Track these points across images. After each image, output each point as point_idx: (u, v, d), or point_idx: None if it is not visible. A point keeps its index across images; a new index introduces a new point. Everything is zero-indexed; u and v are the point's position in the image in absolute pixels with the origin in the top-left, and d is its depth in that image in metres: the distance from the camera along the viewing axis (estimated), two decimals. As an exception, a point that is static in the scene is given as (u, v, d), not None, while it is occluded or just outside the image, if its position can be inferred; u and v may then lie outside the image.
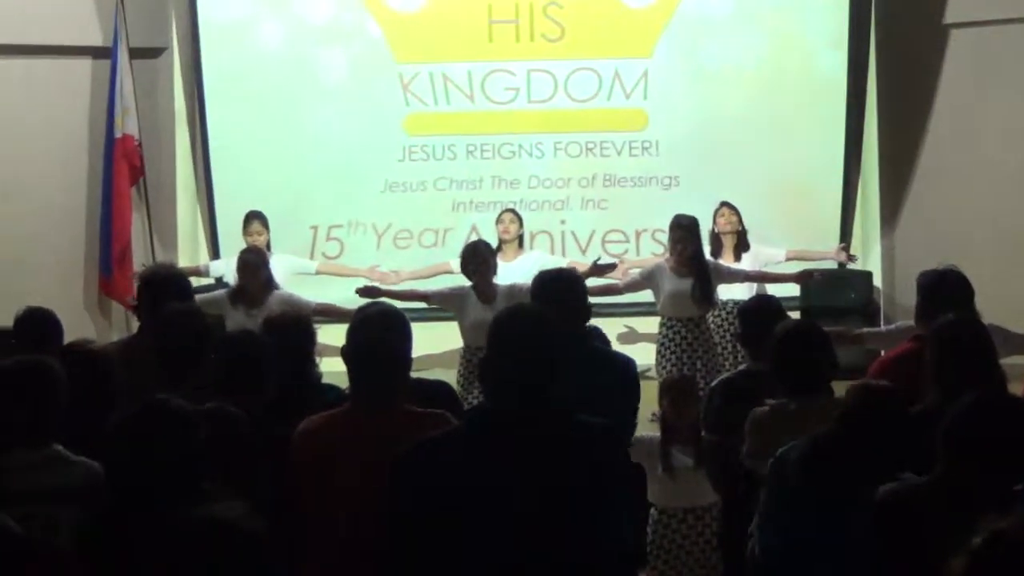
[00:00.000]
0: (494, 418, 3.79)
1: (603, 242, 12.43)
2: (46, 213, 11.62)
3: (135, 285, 11.04)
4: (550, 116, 12.47)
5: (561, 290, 5.68)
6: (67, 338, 6.59)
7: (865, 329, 8.17)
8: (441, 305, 9.88)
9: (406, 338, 4.54)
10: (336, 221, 12.39)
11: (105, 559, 3.88)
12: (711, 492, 6.51)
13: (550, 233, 12.39)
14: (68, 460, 4.71)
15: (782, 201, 12.24)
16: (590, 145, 12.51)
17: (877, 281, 12.38)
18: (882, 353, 7.27)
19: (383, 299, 7.76)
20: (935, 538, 3.79)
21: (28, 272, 11.19)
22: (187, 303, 5.86)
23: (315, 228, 12.36)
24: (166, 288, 6.33)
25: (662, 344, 9.84)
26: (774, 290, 10.43)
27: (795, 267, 11.26)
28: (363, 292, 9.58)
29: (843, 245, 12.09)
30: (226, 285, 10.11)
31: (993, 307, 6.55)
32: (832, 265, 12.04)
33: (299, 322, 6.07)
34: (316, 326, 6.13)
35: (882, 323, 11.95)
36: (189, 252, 12.30)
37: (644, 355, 9.03)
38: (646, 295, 10.16)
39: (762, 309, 6.78)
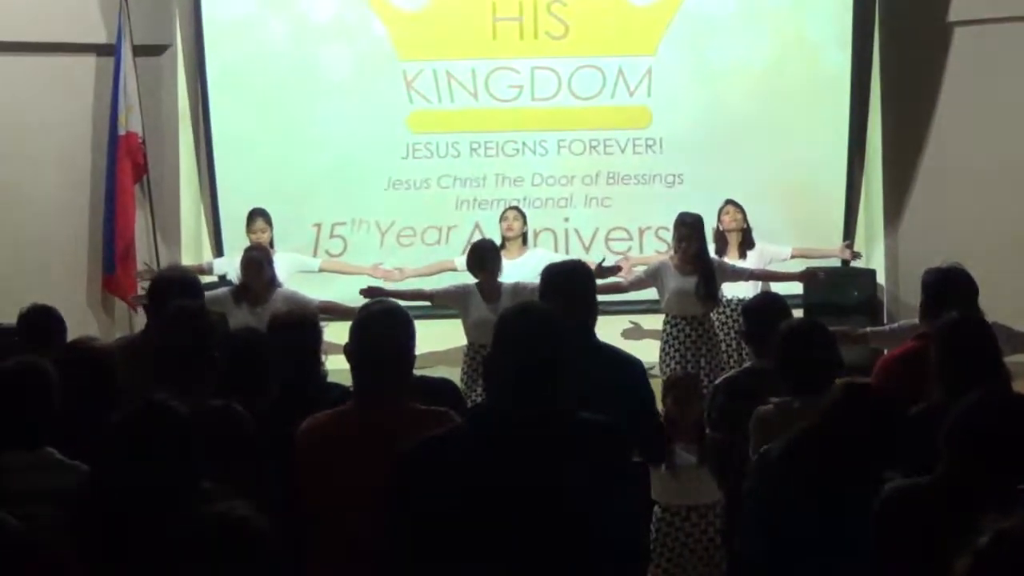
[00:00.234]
0: (497, 417, 3.78)
1: (607, 240, 12.42)
2: (49, 210, 11.62)
3: (139, 284, 11.18)
4: (554, 114, 12.46)
5: (570, 282, 5.66)
6: (70, 335, 6.61)
7: (869, 328, 8.18)
8: (445, 304, 9.90)
9: (409, 336, 4.53)
10: (339, 219, 12.38)
11: (103, 560, 3.87)
12: (714, 490, 6.52)
13: (554, 231, 12.38)
14: (61, 463, 4.72)
15: (785, 199, 12.23)
16: (594, 143, 12.49)
17: (880, 279, 12.35)
18: (885, 352, 7.26)
19: (386, 297, 7.79)
20: (938, 537, 3.79)
21: (31, 269, 11.18)
22: (192, 301, 5.85)
23: (318, 226, 12.35)
24: (176, 290, 6.33)
25: (666, 342, 9.86)
26: (778, 288, 10.43)
27: (800, 265, 11.27)
28: (367, 292, 9.59)
29: (847, 243, 12.10)
30: (229, 283, 10.11)
31: (997, 305, 6.55)
32: (835, 263, 12.04)
33: (305, 320, 6.07)
34: (322, 324, 6.14)
35: (885, 321, 11.93)
36: (192, 249, 12.30)
37: (648, 353, 9.01)
38: (650, 292, 10.17)
39: (766, 307, 6.80)
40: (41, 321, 6.78)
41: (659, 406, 6.75)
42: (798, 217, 12.20)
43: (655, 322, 10.38)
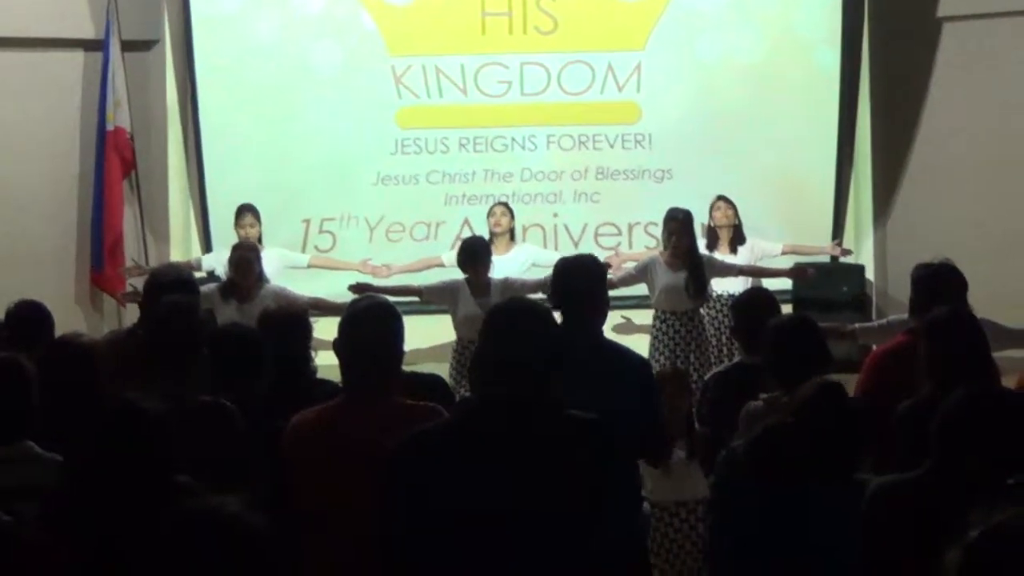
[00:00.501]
0: (483, 411, 3.79)
1: (596, 235, 12.43)
2: (37, 206, 11.61)
3: (127, 281, 11.17)
4: (543, 109, 12.45)
5: (582, 278, 5.67)
6: (58, 331, 6.60)
7: (857, 324, 8.18)
8: (434, 299, 9.91)
9: (398, 331, 4.53)
10: (328, 214, 12.37)
11: (88, 556, 3.87)
12: (703, 485, 6.52)
13: (542, 226, 12.38)
14: (42, 457, 4.72)
15: (774, 194, 12.25)
16: (583, 138, 12.49)
17: (869, 274, 12.39)
18: (874, 347, 7.27)
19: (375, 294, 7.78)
20: (927, 532, 3.80)
21: (19, 265, 11.16)
22: (183, 297, 5.84)
23: (307, 221, 12.33)
24: (172, 288, 6.31)
25: (655, 337, 9.87)
26: (767, 283, 10.44)
27: (790, 261, 11.28)
28: (355, 288, 9.59)
29: (837, 241, 12.11)
30: (218, 279, 10.10)
31: (985, 301, 6.56)
32: (825, 258, 12.06)
33: (295, 317, 6.07)
34: (312, 321, 6.14)
35: (874, 316, 11.94)
36: (181, 245, 12.28)
37: (638, 347, 8.96)
38: (641, 288, 10.17)
39: (755, 302, 6.79)
40: (29, 316, 6.77)
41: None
42: (787, 212, 12.21)
43: (645, 317, 10.39)
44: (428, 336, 10.32)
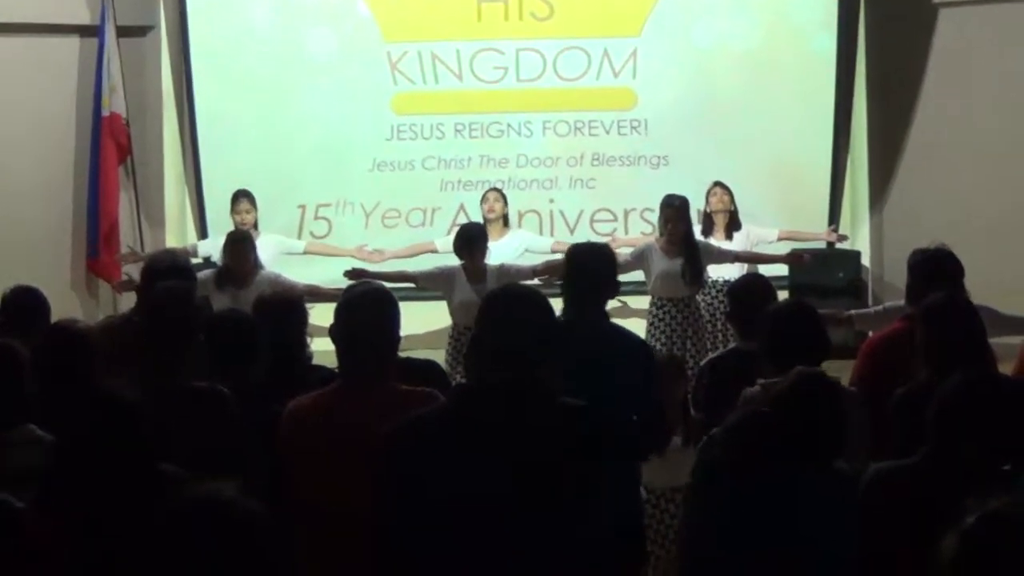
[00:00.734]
0: (477, 397, 3.78)
1: (591, 221, 12.42)
2: (33, 192, 11.59)
3: (122, 268, 11.16)
4: (539, 95, 12.44)
5: (595, 263, 5.72)
6: (54, 317, 6.59)
7: (853, 311, 8.18)
8: (429, 286, 9.89)
9: (394, 317, 4.54)
10: (324, 200, 12.36)
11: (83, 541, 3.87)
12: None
13: (538, 212, 12.37)
14: (44, 440, 4.72)
15: (770, 180, 12.24)
16: (579, 124, 12.48)
17: (865, 260, 12.39)
18: (871, 334, 7.27)
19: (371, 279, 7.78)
20: (924, 518, 3.80)
21: (15, 251, 11.14)
22: (177, 283, 5.83)
23: (303, 207, 12.32)
24: (170, 275, 6.31)
25: (652, 324, 9.87)
26: (763, 269, 10.44)
27: (786, 247, 11.27)
28: (351, 274, 9.59)
29: (834, 227, 12.11)
30: (214, 265, 10.09)
31: (982, 286, 6.56)
32: (821, 244, 12.06)
33: (291, 302, 6.06)
34: (308, 307, 6.13)
35: (870, 302, 11.94)
36: (177, 231, 12.27)
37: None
38: (637, 274, 10.16)
39: (751, 288, 6.79)
40: (25, 302, 6.75)
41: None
42: (783, 198, 12.21)
43: (641, 303, 10.38)
44: (423, 322, 10.31)
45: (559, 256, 10.22)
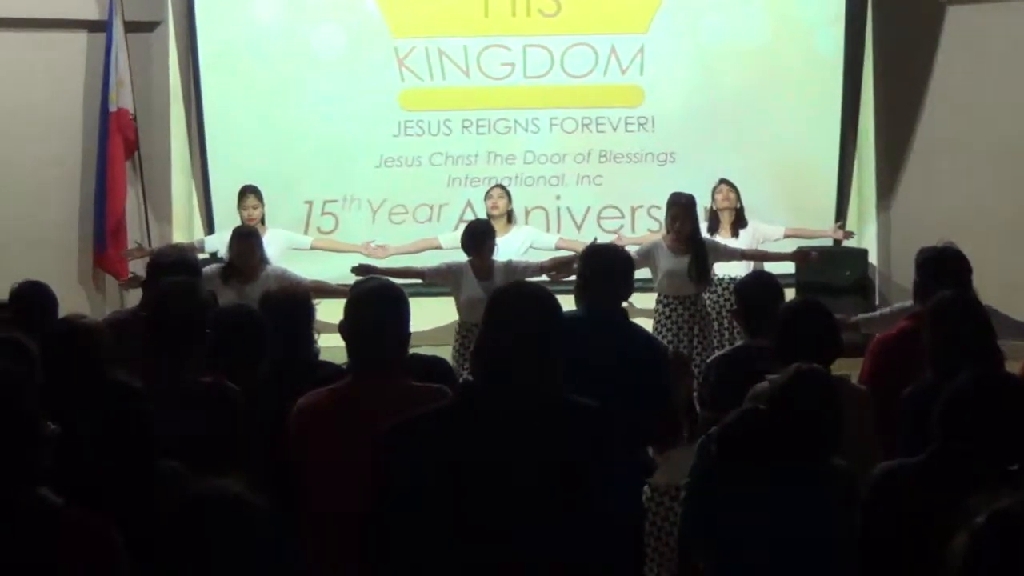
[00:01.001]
0: (483, 393, 3.78)
1: (598, 218, 12.41)
2: (40, 187, 11.60)
3: (129, 264, 11.16)
4: (546, 91, 12.44)
5: (616, 263, 5.74)
6: (62, 312, 6.59)
7: (860, 316, 8.16)
8: (437, 281, 9.89)
9: (404, 313, 4.54)
10: (331, 196, 12.36)
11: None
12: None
13: (545, 209, 12.37)
14: (57, 434, 4.71)
15: (778, 177, 12.24)
16: (586, 121, 12.48)
17: (872, 258, 12.38)
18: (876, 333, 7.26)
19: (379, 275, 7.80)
20: (930, 516, 3.79)
21: (22, 245, 11.16)
22: (184, 277, 5.83)
23: (310, 203, 12.32)
24: (176, 270, 6.31)
25: (658, 322, 9.86)
26: (770, 267, 10.43)
27: (792, 244, 11.27)
28: (358, 270, 9.59)
29: (840, 223, 12.09)
30: (221, 260, 10.10)
31: (989, 285, 6.56)
32: (827, 242, 12.04)
33: (298, 298, 6.06)
34: (314, 302, 6.13)
35: (877, 300, 11.96)
36: (184, 226, 12.28)
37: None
38: (643, 272, 10.15)
39: (758, 286, 6.76)
40: (33, 297, 6.77)
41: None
42: (790, 196, 12.21)
43: (648, 301, 10.36)
44: (429, 318, 10.30)
45: (565, 253, 10.26)
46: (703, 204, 10.72)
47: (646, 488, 6.57)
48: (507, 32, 12.39)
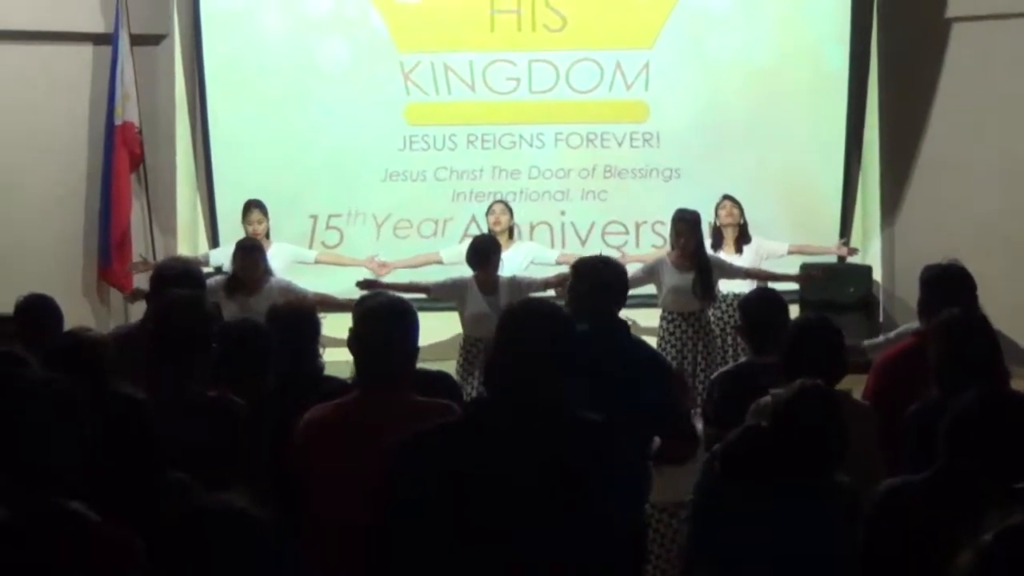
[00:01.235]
0: (492, 409, 3.79)
1: (603, 234, 12.41)
2: (46, 199, 11.60)
3: (133, 275, 11.16)
4: (551, 107, 12.44)
5: (609, 275, 5.74)
6: (66, 325, 6.60)
7: (866, 341, 8.16)
8: (441, 297, 9.89)
9: (412, 328, 4.55)
10: (336, 210, 12.36)
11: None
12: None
13: (550, 224, 12.37)
14: None
15: (782, 194, 12.24)
16: (591, 136, 12.48)
17: (876, 275, 12.37)
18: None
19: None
20: (934, 534, 3.79)
21: (27, 258, 11.16)
22: (189, 290, 5.83)
23: (315, 217, 12.32)
24: (179, 282, 6.31)
25: (662, 338, 9.88)
26: (774, 284, 10.46)
27: (796, 261, 11.29)
28: (364, 285, 9.60)
29: (844, 240, 12.08)
30: (225, 273, 10.11)
31: (994, 303, 6.54)
32: (831, 259, 12.04)
33: (304, 312, 6.06)
34: (320, 316, 6.14)
35: (881, 318, 11.97)
36: (189, 240, 12.28)
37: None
38: (648, 287, 10.16)
39: (763, 302, 6.77)
40: (38, 310, 6.78)
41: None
42: (795, 212, 12.21)
43: (652, 318, 10.36)
44: (433, 333, 10.28)
45: (568, 268, 10.25)
46: (707, 220, 10.73)
47: (647, 506, 6.58)
48: (512, 47, 12.40)
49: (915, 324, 6.70)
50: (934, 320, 5.69)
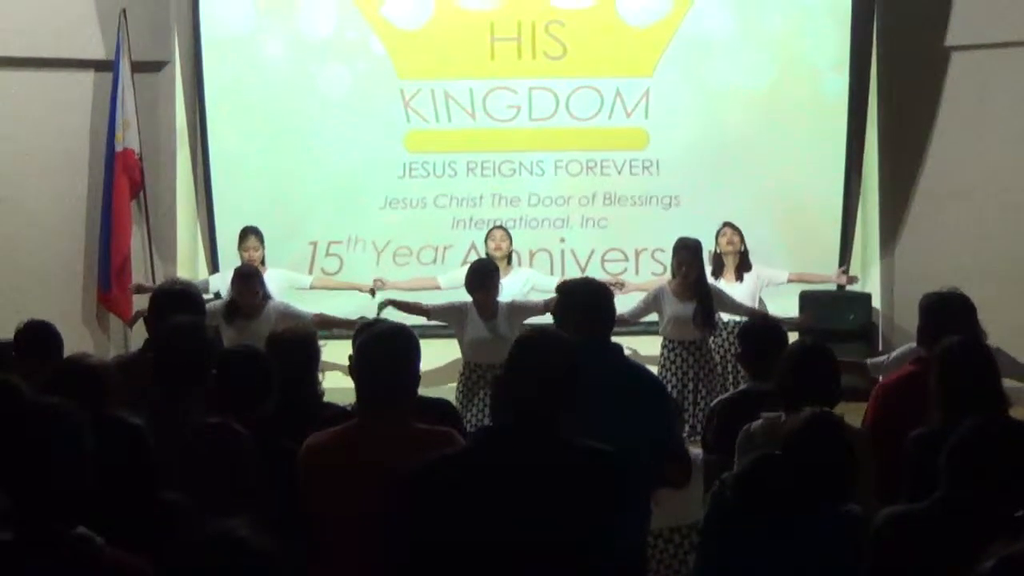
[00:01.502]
0: (501, 441, 3.80)
1: (602, 261, 12.43)
2: (46, 226, 11.60)
3: (133, 298, 11.16)
4: (551, 134, 12.47)
5: (592, 298, 5.72)
6: (66, 351, 6.59)
7: (868, 360, 8.16)
8: (441, 319, 9.87)
9: (415, 356, 4.55)
10: (336, 237, 12.38)
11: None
12: (696, 509, 6.53)
13: (549, 251, 12.39)
14: None
15: (782, 221, 12.25)
16: (590, 163, 12.50)
17: (876, 303, 12.37)
18: (880, 378, 7.25)
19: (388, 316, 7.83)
20: (936, 562, 3.79)
21: (27, 285, 11.17)
22: (190, 316, 5.83)
23: (314, 244, 12.35)
24: (178, 304, 6.30)
25: (663, 366, 9.87)
26: (772, 310, 10.50)
27: (796, 288, 11.34)
28: (376, 285, 9.69)
29: (843, 268, 12.07)
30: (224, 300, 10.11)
31: (993, 329, 6.54)
32: (831, 286, 12.05)
33: (304, 339, 6.05)
34: (321, 343, 6.13)
35: (880, 344, 11.96)
36: (188, 266, 12.30)
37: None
38: (648, 315, 10.16)
39: (763, 330, 6.78)
40: (38, 336, 6.77)
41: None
42: (794, 239, 12.22)
43: (653, 346, 10.35)
44: (433, 360, 10.28)
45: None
46: (707, 247, 10.74)
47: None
48: (513, 75, 12.42)
49: (913, 346, 6.70)
50: (935, 347, 5.69)
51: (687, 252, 9.97)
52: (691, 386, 9.73)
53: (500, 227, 11.14)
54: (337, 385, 5.29)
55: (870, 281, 12.53)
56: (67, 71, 11.80)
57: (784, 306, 11.17)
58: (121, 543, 3.58)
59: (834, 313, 11.75)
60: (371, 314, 9.73)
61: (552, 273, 11.86)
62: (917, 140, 12.25)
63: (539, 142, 12.50)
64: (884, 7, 12.39)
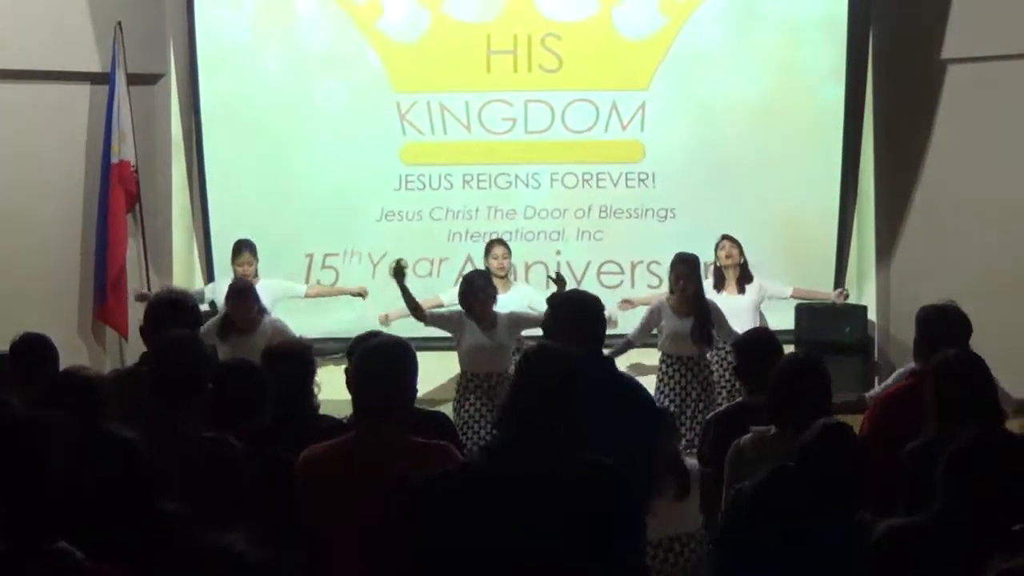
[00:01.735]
0: (503, 453, 3.81)
1: (598, 273, 12.41)
2: (41, 238, 11.58)
3: (129, 309, 11.16)
4: (547, 147, 12.46)
5: (579, 311, 5.70)
6: (62, 364, 6.59)
7: (870, 393, 8.18)
8: (438, 327, 9.85)
9: (412, 369, 4.55)
10: (331, 249, 12.36)
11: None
12: (692, 519, 6.55)
13: (545, 264, 12.36)
14: None
15: (778, 234, 12.24)
16: (586, 176, 12.49)
17: (872, 315, 12.36)
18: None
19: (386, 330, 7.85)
20: (935, 574, 3.79)
21: (23, 297, 11.14)
22: (185, 330, 5.83)
23: (310, 256, 12.33)
24: (173, 315, 6.29)
25: (661, 380, 9.87)
26: (770, 322, 10.49)
27: (793, 301, 11.36)
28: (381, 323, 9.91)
29: (841, 289, 12.01)
30: (219, 311, 10.11)
31: (990, 343, 6.55)
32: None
33: (299, 352, 6.06)
34: (317, 358, 6.13)
35: (876, 356, 11.96)
36: (184, 278, 12.27)
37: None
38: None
39: (759, 343, 6.79)
40: (33, 349, 6.77)
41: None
42: (790, 252, 12.21)
43: (652, 358, 10.35)
44: (430, 374, 10.25)
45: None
46: (704, 260, 10.73)
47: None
48: (508, 87, 12.41)
49: (911, 365, 6.71)
50: (931, 362, 5.70)
51: (685, 267, 9.97)
52: (689, 401, 9.72)
53: (500, 241, 11.08)
54: (332, 398, 5.27)
55: (866, 293, 12.52)
56: (63, 83, 11.78)
57: (781, 319, 11.17)
58: (118, 556, 3.58)
59: (830, 326, 11.74)
60: (370, 327, 9.71)
61: (547, 287, 11.84)
62: (913, 152, 12.25)
63: (535, 155, 12.49)
64: (880, 20, 12.39)
